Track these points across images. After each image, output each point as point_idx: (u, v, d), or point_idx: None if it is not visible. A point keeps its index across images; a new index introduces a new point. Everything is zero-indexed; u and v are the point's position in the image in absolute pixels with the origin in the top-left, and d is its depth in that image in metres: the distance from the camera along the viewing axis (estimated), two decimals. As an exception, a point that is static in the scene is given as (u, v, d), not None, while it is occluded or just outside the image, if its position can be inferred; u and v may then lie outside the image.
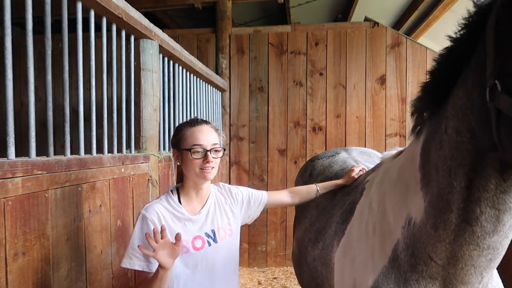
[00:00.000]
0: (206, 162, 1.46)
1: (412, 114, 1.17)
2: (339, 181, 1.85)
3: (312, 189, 1.88)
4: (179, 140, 1.53)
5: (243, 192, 1.74)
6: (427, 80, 1.07)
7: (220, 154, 1.54)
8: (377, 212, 1.30)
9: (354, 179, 1.80)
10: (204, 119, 1.62)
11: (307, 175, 2.43)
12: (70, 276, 1.60)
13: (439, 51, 1.03)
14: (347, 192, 1.74)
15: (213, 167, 1.49)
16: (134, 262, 1.41)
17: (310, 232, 1.85)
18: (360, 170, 1.83)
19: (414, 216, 1.09)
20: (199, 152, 1.47)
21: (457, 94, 0.93)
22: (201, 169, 1.47)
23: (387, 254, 1.18)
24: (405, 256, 1.11)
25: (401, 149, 1.49)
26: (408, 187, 1.15)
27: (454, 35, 0.97)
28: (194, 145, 1.47)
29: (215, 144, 1.51)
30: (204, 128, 1.52)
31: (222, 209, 1.62)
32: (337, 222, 1.60)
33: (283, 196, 1.86)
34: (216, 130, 1.59)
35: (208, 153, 1.47)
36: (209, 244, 1.51)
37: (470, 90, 0.89)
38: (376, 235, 1.26)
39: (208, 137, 1.50)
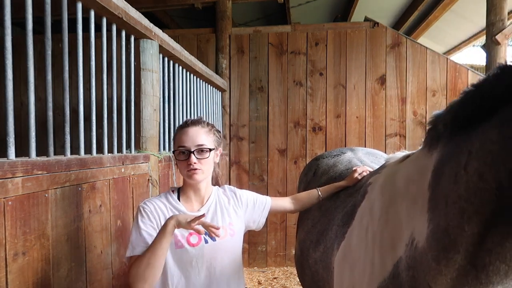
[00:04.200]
0: (189, 164, 1.48)
1: (430, 125, 1.09)
2: (341, 183, 1.83)
3: (313, 194, 1.86)
4: (173, 142, 1.60)
5: (248, 195, 1.73)
6: (459, 100, 0.95)
7: (206, 155, 1.51)
8: (378, 220, 1.25)
9: (357, 180, 1.76)
10: (198, 119, 1.60)
11: (311, 174, 2.40)
12: (70, 276, 1.60)
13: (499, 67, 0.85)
14: (350, 194, 1.70)
15: (197, 169, 1.48)
16: (137, 249, 1.42)
17: (312, 234, 1.82)
18: (363, 171, 1.79)
19: (417, 238, 1.03)
20: (183, 153, 1.51)
21: (489, 136, 0.80)
22: (187, 171, 1.49)
23: (388, 269, 1.14)
24: (406, 276, 1.06)
25: (407, 152, 1.45)
26: (415, 203, 1.08)
27: None
28: (179, 146, 1.51)
29: (200, 145, 1.50)
30: (191, 129, 1.53)
31: (225, 210, 1.61)
32: (338, 225, 1.57)
33: (286, 203, 1.85)
34: (210, 130, 1.57)
35: (192, 154, 1.48)
36: (206, 241, 1.50)
37: (509, 142, 0.77)
38: (376, 245, 1.22)
39: (194, 138, 1.50)
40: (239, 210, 1.66)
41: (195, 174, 1.49)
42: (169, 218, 1.36)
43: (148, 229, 1.45)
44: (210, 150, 1.53)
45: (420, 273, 1.01)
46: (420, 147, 1.20)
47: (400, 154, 1.51)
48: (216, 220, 1.56)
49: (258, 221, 1.74)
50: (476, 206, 0.83)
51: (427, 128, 1.11)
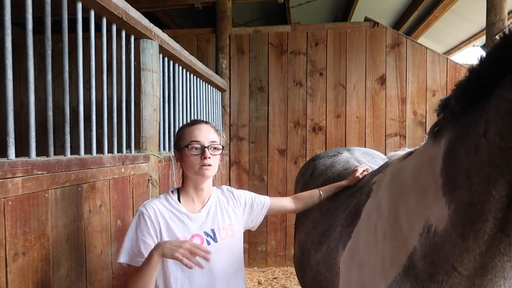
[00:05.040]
0: (204, 158, 1.47)
1: (438, 113, 1.10)
2: (342, 183, 1.82)
3: (314, 194, 1.85)
4: (179, 139, 1.56)
5: (246, 195, 1.72)
6: (466, 77, 1.00)
7: (219, 152, 1.54)
8: (387, 217, 1.25)
9: (358, 179, 1.77)
10: (205, 119, 1.63)
11: (308, 174, 2.39)
12: (70, 276, 1.60)
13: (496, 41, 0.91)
14: (351, 194, 1.70)
15: (210, 165, 1.48)
16: (133, 259, 1.41)
17: (313, 235, 1.80)
18: (364, 171, 1.80)
19: (435, 223, 1.04)
20: (197, 148, 1.49)
21: (505, 96, 0.84)
22: (200, 166, 1.47)
23: (401, 262, 1.14)
24: (422, 265, 1.07)
25: (409, 150, 1.45)
26: (426, 192, 1.10)
27: None
28: (192, 141, 1.49)
29: (213, 141, 1.52)
30: (203, 126, 1.54)
31: (224, 210, 1.60)
32: (342, 225, 1.55)
33: (286, 202, 1.83)
34: (217, 130, 1.60)
35: (206, 149, 1.48)
36: (208, 243, 1.49)
37: None
38: (386, 241, 1.21)
39: (207, 134, 1.51)
40: (238, 211, 1.66)
41: (207, 170, 1.48)
42: (154, 249, 1.32)
43: (146, 238, 1.42)
44: (223, 148, 1.56)
45: (441, 257, 1.01)
46: (423, 142, 1.21)
47: (402, 152, 1.52)
48: (217, 221, 1.55)
49: (256, 221, 1.74)
50: (501, 167, 0.85)
51: (437, 112, 1.12)
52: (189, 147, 1.49)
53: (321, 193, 1.84)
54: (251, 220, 1.73)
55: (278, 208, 1.83)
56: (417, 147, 1.35)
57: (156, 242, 1.43)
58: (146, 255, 1.38)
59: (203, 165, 1.47)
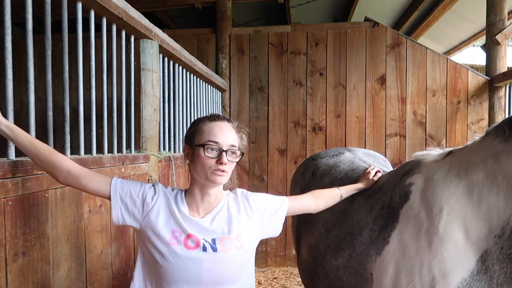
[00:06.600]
0: (220, 163, 1.28)
1: None
2: (359, 185, 1.72)
3: (336, 194, 1.70)
4: (193, 134, 1.36)
5: (261, 201, 1.51)
6: None
7: (237, 159, 1.35)
8: (444, 220, 1.21)
9: (374, 181, 1.70)
10: (227, 117, 1.44)
11: (309, 174, 2.30)
12: (70, 276, 1.60)
13: None
14: (369, 195, 1.62)
15: (224, 171, 1.30)
16: (122, 183, 1.35)
17: (327, 239, 1.70)
18: (377, 172, 1.73)
19: None
20: (213, 150, 1.30)
21: None
22: (213, 171, 1.29)
23: (468, 266, 1.11)
24: (501, 268, 1.05)
25: (444, 150, 1.42)
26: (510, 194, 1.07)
27: None
28: (209, 141, 1.30)
29: (233, 145, 1.33)
30: (224, 125, 1.35)
31: (234, 219, 1.39)
32: (371, 229, 1.47)
33: (308, 201, 1.64)
34: (238, 131, 1.41)
35: (224, 153, 1.29)
36: (205, 249, 1.30)
37: None
38: (445, 245, 1.18)
39: (227, 136, 1.33)
40: (252, 219, 1.44)
41: (220, 177, 1.30)
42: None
43: (136, 192, 1.34)
44: (242, 154, 1.37)
45: None
46: (497, 145, 1.18)
47: (431, 152, 1.49)
48: (221, 230, 1.35)
49: (275, 227, 1.53)
50: None
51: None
52: (205, 147, 1.29)
53: (342, 192, 1.70)
54: (273, 227, 1.52)
55: (300, 208, 1.63)
56: (456, 147, 1.34)
57: (137, 207, 1.33)
58: (121, 194, 1.32)
59: (217, 170, 1.28)
